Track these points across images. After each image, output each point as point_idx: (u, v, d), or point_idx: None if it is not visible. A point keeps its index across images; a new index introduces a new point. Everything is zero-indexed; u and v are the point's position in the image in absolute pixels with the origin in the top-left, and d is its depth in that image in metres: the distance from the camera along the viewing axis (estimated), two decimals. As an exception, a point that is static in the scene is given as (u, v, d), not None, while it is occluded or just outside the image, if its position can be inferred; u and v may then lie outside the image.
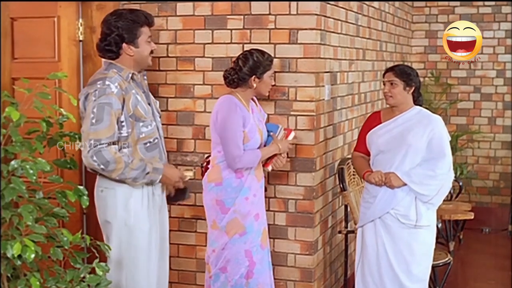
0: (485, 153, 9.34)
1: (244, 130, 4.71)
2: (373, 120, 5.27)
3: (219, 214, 4.79)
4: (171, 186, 4.54)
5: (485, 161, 9.35)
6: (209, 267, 4.93)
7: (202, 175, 5.01)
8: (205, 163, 5.00)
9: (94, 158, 4.12)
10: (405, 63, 8.46)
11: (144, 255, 4.41)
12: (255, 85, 4.78)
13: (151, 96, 4.61)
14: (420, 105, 5.20)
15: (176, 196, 4.68)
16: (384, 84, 5.15)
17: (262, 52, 4.84)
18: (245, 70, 4.76)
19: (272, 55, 4.97)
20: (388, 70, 5.18)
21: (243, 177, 4.77)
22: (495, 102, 9.25)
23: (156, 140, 4.44)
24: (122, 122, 4.24)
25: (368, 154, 5.27)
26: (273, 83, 4.90)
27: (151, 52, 4.46)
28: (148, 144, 4.38)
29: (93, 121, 4.14)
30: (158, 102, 4.71)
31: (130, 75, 4.35)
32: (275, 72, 5.13)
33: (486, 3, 9.18)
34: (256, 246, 4.83)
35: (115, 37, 4.32)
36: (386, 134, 5.11)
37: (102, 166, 4.14)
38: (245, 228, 4.78)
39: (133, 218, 4.36)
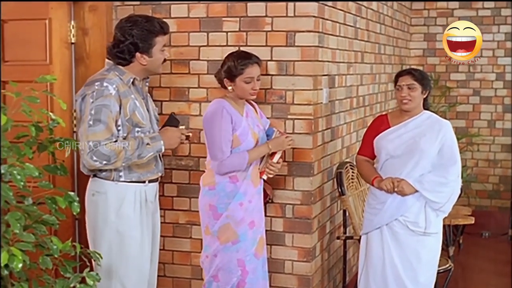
0: (485, 156, 9.25)
1: (235, 133, 4.60)
2: (380, 123, 5.15)
3: (212, 219, 4.68)
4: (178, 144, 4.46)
5: (485, 164, 9.25)
6: (203, 272, 4.86)
7: None
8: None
9: (94, 158, 4.07)
10: (404, 66, 8.41)
11: (136, 263, 4.32)
12: (230, 88, 4.69)
13: (152, 103, 4.54)
14: (428, 109, 5.10)
15: None
16: (398, 89, 5.02)
17: (239, 55, 4.73)
18: (221, 71, 4.73)
19: (259, 57, 4.79)
20: (403, 73, 5.06)
21: (238, 182, 4.66)
22: (495, 105, 9.17)
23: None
24: (119, 126, 4.17)
25: (373, 158, 5.19)
26: (256, 88, 4.70)
27: (164, 60, 4.40)
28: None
29: (91, 122, 4.08)
30: (157, 109, 4.64)
31: (131, 80, 4.27)
32: (272, 75, 5.07)
33: (486, 5, 9.08)
34: (250, 255, 4.72)
35: (128, 45, 4.24)
36: (397, 139, 5.00)
37: (104, 162, 4.09)
38: (238, 236, 4.66)
39: (125, 225, 4.27)
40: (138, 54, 4.25)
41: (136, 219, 4.30)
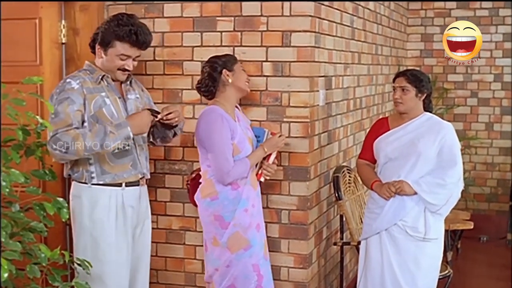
0: (483, 159, 9.15)
1: (233, 142, 4.48)
2: (380, 126, 5.08)
3: (219, 230, 4.52)
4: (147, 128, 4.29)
5: (483, 167, 9.16)
6: (213, 286, 4.65)
7: (189, 194, 4.83)
8: (189, 181, 4.79)
9: (54, 146, 4.01)
10: (401, 67, 8.31)
11: (111, 269, 4.26)
12: (230, 79, 4.57)
13: (140, 101, 4.46)
14: (430, 112, 5.00)
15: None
16: (394, 90, 4.95)
17: (217, 55, 4.74)
18: (212, 71, 4.60)
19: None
20: (399, 74, 5.00)
21: (239, 188, 4.52)
22: (493, 107, 9.06)
23: (126, 147, 4.26)
24: (84, 122, 4.15)
25: (374, 162, 5.11)
26: (247, 77, 4.70)
27: (124, 69, 4.30)
28: (116, 151, 4.20)
29: (53, 116, 4.07)
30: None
31: (100, 76, 4.26)
32: (267, 76, 4.97)
33: (483, 5, 8.98)
34: (262, 259, 4.60)
35: (95, 34, 4.33)
36: (395, 142, 4.93)
37: (64, 150, 4.01)
38: (249, 242, 4.53)
39: (98, 229, 4.23)
40: (97, 46, 4.30)
41: (110, 224, 4.25)
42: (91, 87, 4.18)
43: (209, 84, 4.61)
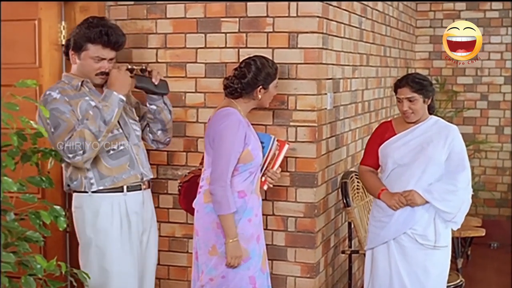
0: (493, 164, 9.00)
1: (247, 148, 4.25)
2: (385, 131, 4.92)
3: (221, 238, 4.27)
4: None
5: (493, 172, 9.00)
6: None
7: (180, 197, 4.65)
8: (182, 183, 4.61)
9: (71, 156, 3.98)
10: (409, 69, 8.17)
11: (118, 280, 4.15)
12: (260, 96, 4.36)
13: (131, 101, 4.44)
14: (433, 113, 4.90)
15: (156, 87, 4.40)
16: (399, 101, 4.78)
17: (266, 59, 4.43)
18: (250, 80, 4.32)
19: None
20: (400, 85, 4.78)
21: (246, 197, 4.30)
22: (503, 110, 8.91)
23: (121, 147, 4.21)
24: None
25: (377, 168, 4.94)
26: (276, 93, 4.53)
27: (102, 73, 4.22)
28: (112, 152, 4.17)
29: (52, 130, 4.01)
30: (133, 109, 4.49)
31: (80, 83, 4.20)
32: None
33: (493, 6, 8.83)
34: (258, 271, 4.38)
35: (68, 40, 4.30)
36: (403, 147, 4.78)
37: (81, 152, 3.97)
38: (249, 253, 4.31)
39: (103, 239, 4.13)
40: (70, 51, 4.27)
41: (114, 232, 4.15)
42: (72, 94, 4.14)
43: (237, 89, 4.34)
